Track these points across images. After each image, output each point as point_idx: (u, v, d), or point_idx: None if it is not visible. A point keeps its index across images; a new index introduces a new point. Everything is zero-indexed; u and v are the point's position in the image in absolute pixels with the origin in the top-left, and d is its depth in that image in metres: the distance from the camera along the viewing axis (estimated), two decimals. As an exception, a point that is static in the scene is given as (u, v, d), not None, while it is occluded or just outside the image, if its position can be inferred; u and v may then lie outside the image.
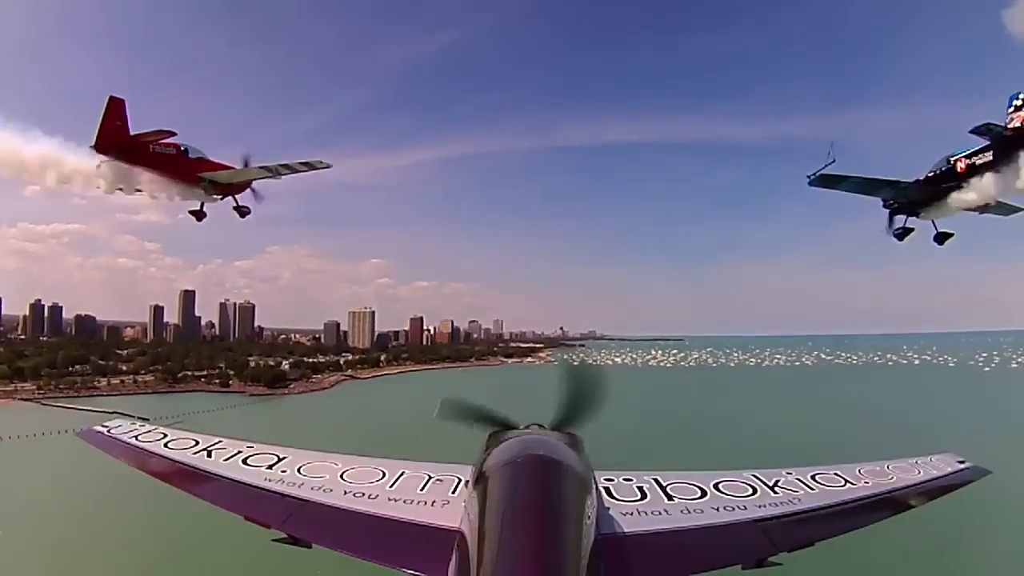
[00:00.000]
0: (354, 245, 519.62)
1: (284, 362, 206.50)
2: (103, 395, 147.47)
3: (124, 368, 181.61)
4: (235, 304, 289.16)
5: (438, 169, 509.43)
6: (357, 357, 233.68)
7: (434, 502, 7.13)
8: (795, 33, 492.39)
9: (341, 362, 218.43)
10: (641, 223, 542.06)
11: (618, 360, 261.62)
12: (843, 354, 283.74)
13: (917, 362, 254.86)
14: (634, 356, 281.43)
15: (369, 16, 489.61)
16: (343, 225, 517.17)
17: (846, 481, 8.35)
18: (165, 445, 9.04)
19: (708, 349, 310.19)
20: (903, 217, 25.76)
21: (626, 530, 6.55)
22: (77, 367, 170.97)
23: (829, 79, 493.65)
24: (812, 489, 7.99)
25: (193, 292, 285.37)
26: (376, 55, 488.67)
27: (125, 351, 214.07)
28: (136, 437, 9.38)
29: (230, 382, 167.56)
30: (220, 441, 9.10)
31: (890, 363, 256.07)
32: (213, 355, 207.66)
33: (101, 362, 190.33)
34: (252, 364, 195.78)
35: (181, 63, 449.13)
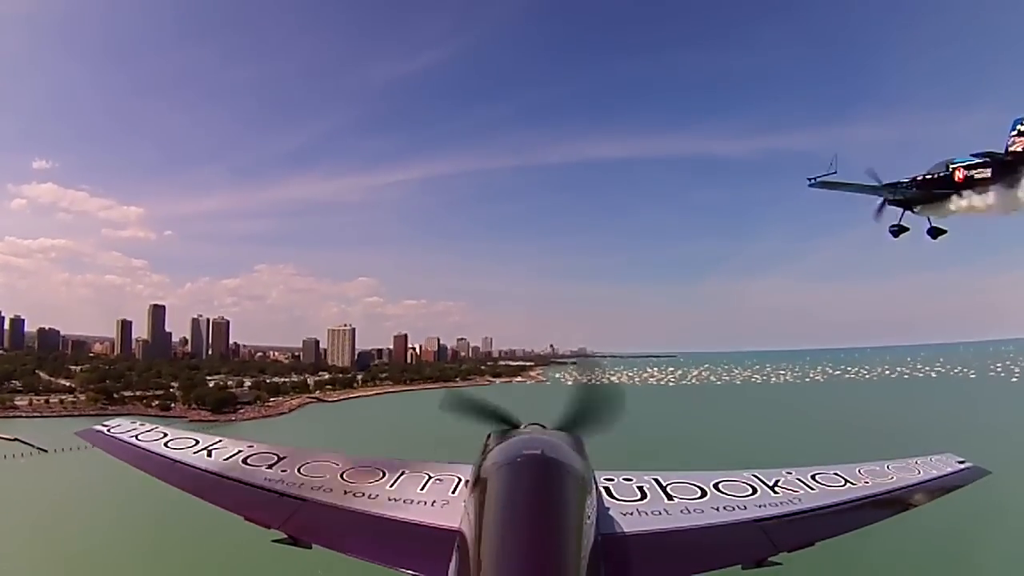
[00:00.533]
0: (343, 264, 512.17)
1: (246, 382, 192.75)
2: (22, 416, 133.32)
3: (69, 385, 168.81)
4: (208, 320, 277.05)
5: (426, 188, 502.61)
6: (328, 377, 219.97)
7: (434, 502, 7.05)
8: (780, 50, 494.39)
9: (310, 383, 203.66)
10: (630, 240, 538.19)
11: (614, 379, 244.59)
12: (850, 369, 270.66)
13: (934, 375, 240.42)
14: (630, 374, 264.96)
15: (355, 35, 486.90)
16: (331, 244, 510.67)
17: (846, 481, 8.29)
18: (165, 444, 8.97)
19: (705, 365, 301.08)
20: (898, 212, 25.80)
21: (626, 530, 6.51)
22: (13, 383, 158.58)
23: (814, 94, 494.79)
24: (812, 489, 7.92)
25: (163, 307, 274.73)
26: (362, 74, 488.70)
27: (80, 367, 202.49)
28: (136, 436, 9.31)
29: (172, 405, 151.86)
30: (220, 441, 9.05)
31: (905, 376, 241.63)
32: (176, 373, 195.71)
33: (49, 378, 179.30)
34: (212, 384, 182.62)
35: (170, 78, 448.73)
